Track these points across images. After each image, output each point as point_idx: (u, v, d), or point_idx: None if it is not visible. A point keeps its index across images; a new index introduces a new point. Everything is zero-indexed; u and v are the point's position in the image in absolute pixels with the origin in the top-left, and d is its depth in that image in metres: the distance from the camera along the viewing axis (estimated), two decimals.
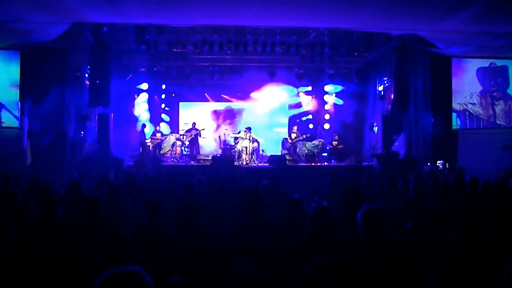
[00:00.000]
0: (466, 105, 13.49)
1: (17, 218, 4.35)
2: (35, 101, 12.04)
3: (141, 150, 13.98)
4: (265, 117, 16.28)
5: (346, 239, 3.37)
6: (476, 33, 10.48)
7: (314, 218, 3.35)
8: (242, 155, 13.70)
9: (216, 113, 16.63)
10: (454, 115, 13.43)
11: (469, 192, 6.01)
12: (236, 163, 12.88)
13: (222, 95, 16.40)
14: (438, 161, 12.06)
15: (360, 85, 15.18)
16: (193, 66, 14.40)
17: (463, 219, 4.64)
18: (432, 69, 12.69)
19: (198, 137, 14.99)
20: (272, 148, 15.48)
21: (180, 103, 16.55)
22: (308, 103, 16.69)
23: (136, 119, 15.26)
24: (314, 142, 14.82)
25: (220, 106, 16.64)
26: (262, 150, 14.96)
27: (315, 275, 1.80)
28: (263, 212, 4.05)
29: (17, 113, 12.16)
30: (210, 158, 13.18)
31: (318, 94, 16.46)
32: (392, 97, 12.72)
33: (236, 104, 16.54)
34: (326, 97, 16.28)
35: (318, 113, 16.57)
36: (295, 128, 15.14)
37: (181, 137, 14.76)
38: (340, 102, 16.02)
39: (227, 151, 14.34)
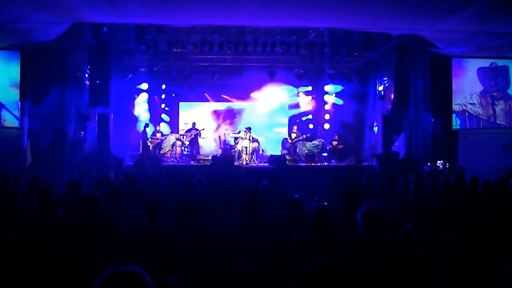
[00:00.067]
0: (466, 106, 13.48)
1: (17, 218, 4.35)
2: (35, 101, 12.05)
3: (141, 150, 13.98)
4: (265, 117, 16.28)
5: (346, 239, 3.36)
6: (476, 33, 10.46)
7: (314, 218, 3.34)
8: (242, 155, 13.69)
9: (216, 113, 16.62)
10: (454, 115, 13.44)
11: (469, 192, 5.99)
12: (236, 163, 12.88)
13: (222, 95, 16.40)
14: (438, 161, 12.05)
15: (360, 85, 15.18)
16: (193, 66, 14.41)
17: (463, 219, 4.64)
18: (432, 69, 12.71)
19: (198, 137, 14.98)
20: (272, 148, 15.48)
21: (180, 103, 16.55)
22: (308, 103, 16.69)
23: (136, 119, 15.27)
24: (314, 142, 14.82)
25: (220, 106, 16.63)
26: (262, 150, 14.95)
27: (315, 275, 1.80)
28: (263, 212, 4.05)
29: (17, 113, 12.17)
30: (210, 158, 13.18)
31: (318, 94, 16.46)
32: (392, 97, 12.71)
33: (236, 104, 16.54)
34: (326, 97, 16.28)
35: (318, 113, 16.56)
36: (295, 128, 15.14)
37: (181, 137, 14.75)
38: (340, 102, 16.03)
39: (227, 151, 14.33)
